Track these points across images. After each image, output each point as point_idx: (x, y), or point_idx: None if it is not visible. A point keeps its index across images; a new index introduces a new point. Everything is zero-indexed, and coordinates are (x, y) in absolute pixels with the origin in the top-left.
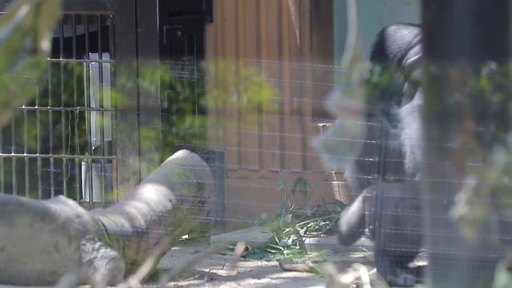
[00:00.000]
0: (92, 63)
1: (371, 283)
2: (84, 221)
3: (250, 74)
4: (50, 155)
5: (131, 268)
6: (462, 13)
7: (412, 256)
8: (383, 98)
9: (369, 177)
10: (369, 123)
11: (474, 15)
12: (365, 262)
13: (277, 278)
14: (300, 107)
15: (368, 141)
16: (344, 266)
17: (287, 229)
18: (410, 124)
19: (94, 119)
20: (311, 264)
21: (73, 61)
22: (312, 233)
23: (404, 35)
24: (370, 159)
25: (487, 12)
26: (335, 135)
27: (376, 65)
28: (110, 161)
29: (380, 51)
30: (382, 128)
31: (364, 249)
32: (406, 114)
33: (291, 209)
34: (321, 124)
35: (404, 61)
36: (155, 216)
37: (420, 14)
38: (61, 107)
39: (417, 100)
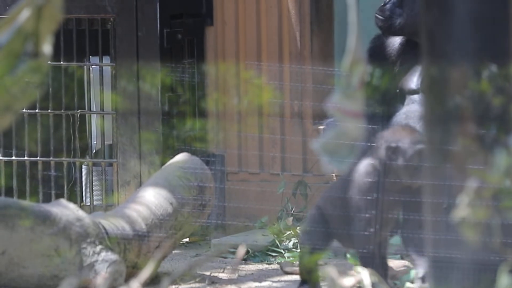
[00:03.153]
0: (93, 66)
1: (373, 286)
2: (85, 224)
3: (250, 77)
4: (51, 158)
5: (132, 271)
6: (463, 16)
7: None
8: (383, 101)
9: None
10: (370, 126)
11: (475, 18)
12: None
13: (278, 281)
14: (300, 110)
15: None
16: (345, 269)
17: (288, 232)
18: None
19: (94, 122)
20: None
21: (74, 64)
22: None
23: (395, 42)
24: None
25: (487, 15)
26: (335, 138)
27: (375, 69)
28: (111, 164)
29: (372, 57)
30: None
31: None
32: (395, 123)
33: (292, 212)
34: (321, 127)
35: (395, 67)
36: (156, 219)
37: (421, 17)
38: (62, 111)
39: (407, 107)
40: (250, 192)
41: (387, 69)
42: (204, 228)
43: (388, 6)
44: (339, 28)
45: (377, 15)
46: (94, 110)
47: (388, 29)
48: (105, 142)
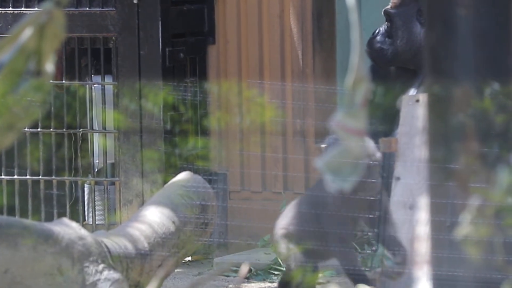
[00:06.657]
0: (95, 85)
1: None
2: (87, 243)
3: (252, 95)
4: (53, 177)
5: None
6: (466, 34)
7: None
8: (386, 119)
9: (371, 198)
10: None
11: (478, 36)
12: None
13: None
14: (303, 128)
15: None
16: (348, 287)
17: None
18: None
19: (97, 141)
20: None
21: (76, 83)
22: None
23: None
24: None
25: (490, 33)
26: (338, 156)
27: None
28: (113, 183)
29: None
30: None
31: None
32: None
33: None
34: (324, 145)
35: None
36: (158, 238)
37: (424, 35)
38: (64, 129)
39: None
40: (253, 211)
41: (390, 88)
42: (206, 247)
43: (377, 38)
44: (341, 46)
45: (366, 49)
46: (96, 128)
47: (380, 61)
48: (107, 161)
